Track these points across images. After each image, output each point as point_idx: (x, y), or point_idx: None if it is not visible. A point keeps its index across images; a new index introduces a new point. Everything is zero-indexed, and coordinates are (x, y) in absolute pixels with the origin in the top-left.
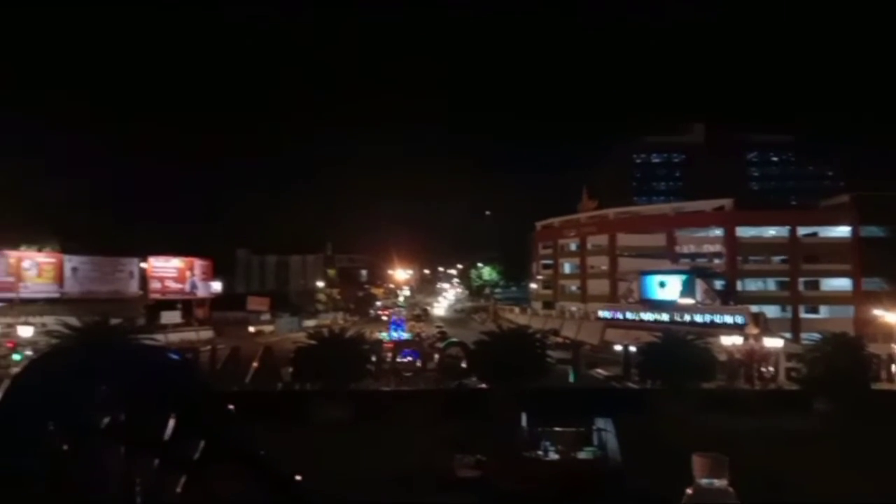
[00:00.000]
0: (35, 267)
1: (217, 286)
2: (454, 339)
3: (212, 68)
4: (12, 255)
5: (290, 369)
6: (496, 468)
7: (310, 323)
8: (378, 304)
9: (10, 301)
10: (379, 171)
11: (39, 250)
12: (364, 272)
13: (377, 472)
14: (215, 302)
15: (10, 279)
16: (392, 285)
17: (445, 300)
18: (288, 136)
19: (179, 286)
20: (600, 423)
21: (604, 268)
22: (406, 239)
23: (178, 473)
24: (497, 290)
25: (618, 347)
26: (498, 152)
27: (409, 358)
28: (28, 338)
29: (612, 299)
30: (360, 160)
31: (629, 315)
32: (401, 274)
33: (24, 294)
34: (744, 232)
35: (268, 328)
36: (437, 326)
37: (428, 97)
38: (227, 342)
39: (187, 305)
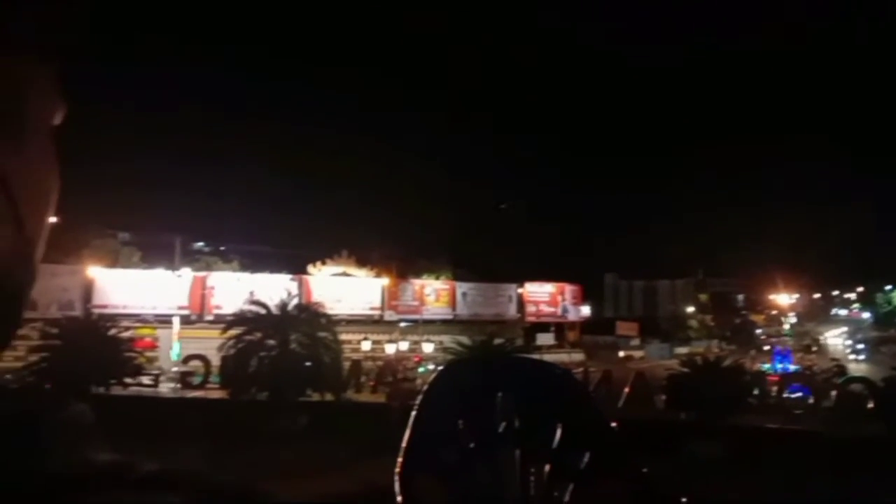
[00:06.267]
0: (434, 293)
1: (586, 310)
2: (856, 375)
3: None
4: (417, 283)
5: (664, 397)
6: None
7: (681, 350)
8: (759, 332)
9: (415, 322)
10: (755, 190)
11: (437, 279)
12: (740, 297)
13: None
14: (585, 326)
15: (416, 303)
16: (775, 311)
17: (841, 329)
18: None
19: (552, 310)
20: None
21: None
22: (790, 260)
23: (565, 482)
24: None
25: None
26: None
27: (799, 393)
28: (429, 353)
29: None
30: (735, 181)
31: None
32: (784, 299)
33: (426, 316)
34: None
35: (637, 353)
36: (833, 359)
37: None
38: (599, 365)
39: (559, 328)
